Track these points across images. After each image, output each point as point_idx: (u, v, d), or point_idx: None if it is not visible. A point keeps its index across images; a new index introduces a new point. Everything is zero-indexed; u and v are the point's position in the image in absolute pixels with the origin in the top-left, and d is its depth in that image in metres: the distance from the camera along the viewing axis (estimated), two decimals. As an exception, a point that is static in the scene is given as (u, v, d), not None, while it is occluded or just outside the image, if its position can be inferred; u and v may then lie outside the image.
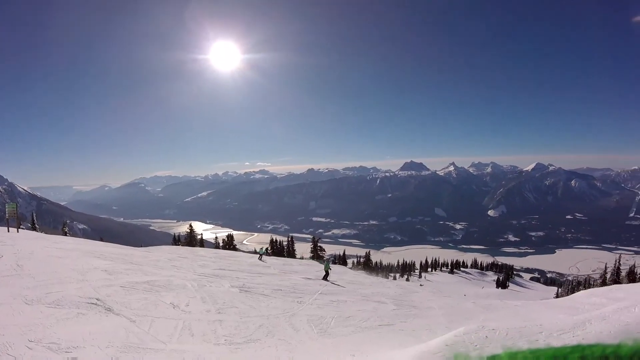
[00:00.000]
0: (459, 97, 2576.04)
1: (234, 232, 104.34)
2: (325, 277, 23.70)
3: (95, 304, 10.32)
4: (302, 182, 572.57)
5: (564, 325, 7.14)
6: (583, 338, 6.08)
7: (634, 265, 50.12)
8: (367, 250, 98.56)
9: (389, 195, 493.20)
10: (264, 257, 31.74)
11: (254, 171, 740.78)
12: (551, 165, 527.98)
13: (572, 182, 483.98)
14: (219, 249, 51.83)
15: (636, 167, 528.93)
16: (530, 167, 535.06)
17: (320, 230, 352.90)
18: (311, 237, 57.91)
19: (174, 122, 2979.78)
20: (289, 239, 60.50)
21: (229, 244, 55.69)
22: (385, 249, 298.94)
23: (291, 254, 57.62)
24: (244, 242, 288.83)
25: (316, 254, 53.44)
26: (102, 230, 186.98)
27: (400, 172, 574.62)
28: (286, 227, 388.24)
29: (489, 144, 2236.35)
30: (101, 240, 43.67)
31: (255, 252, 36.38)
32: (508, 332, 6.82)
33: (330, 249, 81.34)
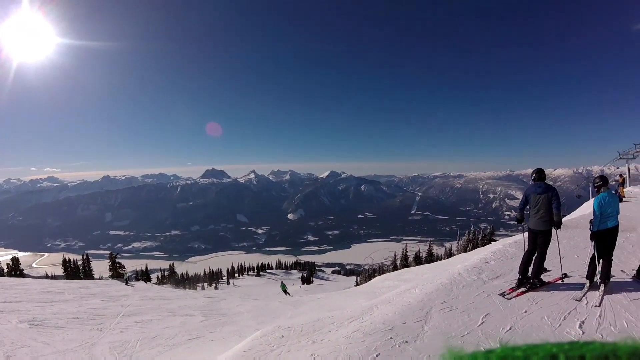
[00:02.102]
0: (258, 107, 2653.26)
1: (20, 254, 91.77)
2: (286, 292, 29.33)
3: None
4: (97, 190, 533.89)
5: (354, 313, 8.16)
6: (371, 322, 7.06)
7: (419, 251, 62.70)
8: (171, 262, 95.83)
9: (191, 203, 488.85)
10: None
11: (41, 178, 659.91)
12: (343, 172, 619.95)
13: (362, 187, 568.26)
14: (3, 276, 44.94)
15: (415, 174, 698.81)
16: (325, 175, 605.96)
17: (119, 245, 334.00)
18: (109, 253, 53.83)
19: None
20: (84, 257, 55.54)
21: (14, 269, 48.31)
22: (190, 259, 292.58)
23: (88, 274, 52.96)
24: (33, 265, 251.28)
25: (115, 272, 49.89)
26: None
27: (201, 180, 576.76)
28: (81, 243, 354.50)
29: (288, 153, 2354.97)
30: None
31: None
32: (303, 327, 7.60)
33: (131, 265, 76.50)
